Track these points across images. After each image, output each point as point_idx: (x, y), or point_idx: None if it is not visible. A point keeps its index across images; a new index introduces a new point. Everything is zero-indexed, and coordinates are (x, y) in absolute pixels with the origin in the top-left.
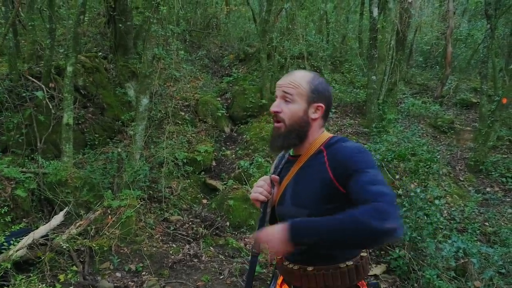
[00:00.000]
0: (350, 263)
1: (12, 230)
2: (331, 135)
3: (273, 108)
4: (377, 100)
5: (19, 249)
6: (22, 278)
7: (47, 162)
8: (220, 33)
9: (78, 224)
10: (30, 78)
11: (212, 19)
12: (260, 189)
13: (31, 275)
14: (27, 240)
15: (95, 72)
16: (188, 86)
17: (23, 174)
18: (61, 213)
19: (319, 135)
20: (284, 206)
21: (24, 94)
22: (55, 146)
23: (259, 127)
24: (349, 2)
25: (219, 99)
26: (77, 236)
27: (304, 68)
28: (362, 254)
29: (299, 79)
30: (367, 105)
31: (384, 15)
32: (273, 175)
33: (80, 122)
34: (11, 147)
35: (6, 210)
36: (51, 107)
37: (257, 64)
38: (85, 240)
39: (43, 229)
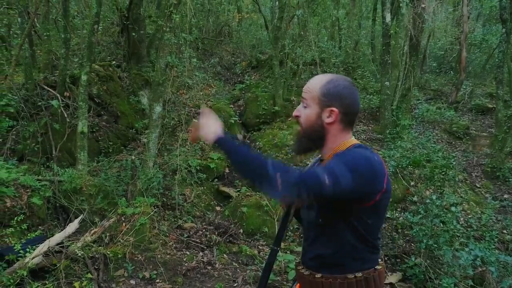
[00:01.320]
0: (359, 274)
1: (28, 237)
2: (356, 142)
3: (294, 112)
4: (390, 106)
5: (35, 256)
6: (38, 286)
7: (62, 170)
8: (232, 41)
9: (92, 231)
10: (46, 87)
11: (224, 27)
12: None
13: (47, 282)
14: (42, 247)
15: (109, 81)
16: (201, 93)
17: (39, 182)
18: (76, 221)
19: (342, 141)
20: (304, 210)
21: (40, 103)
22: (70, 154)
23: (272, 134)
24: (361, 8)
25: (231, 106)
26: (91, 244)
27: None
28: (377, 266)
29: (314, 83)
30: (380, 111)
31: (397, 20)
32: None
33: (94, 130)
34: (27, 156)
35: (22, 218)
36: (66, 115)
37: (269, 71)
38: (100, 247)
39: (58, 237)
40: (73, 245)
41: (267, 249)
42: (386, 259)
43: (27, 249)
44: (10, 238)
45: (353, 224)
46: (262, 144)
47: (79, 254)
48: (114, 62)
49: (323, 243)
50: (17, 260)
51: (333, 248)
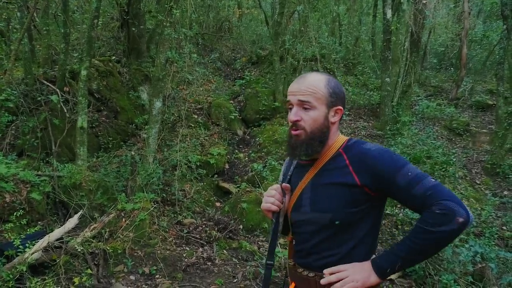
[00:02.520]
0: None
1: (28, 233)
2: (347, 137)
3: (293, 117)
4: (391, 103)
5: (34, 252)
6: (37, 281)
7: (61, 165)
8: (232, 36)
9: (92, 227)
10: (45, 82)
11: (224, 22)
12: (271, 199)
13: (46, 278)
14: (42, 243)
15: (109, 76)
16: (201, 89)
17: (38, 177)
18: (76, 216)
19: (336, 138)
20: (301, 213)
21: (39, 98)
22: (69, 149)
23: (272, 130)
24: (362, 4)
25: (231, 102)
26: (91, 239)
27: (317, 71)
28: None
29: (316, 83)
30: (381, 108)
31: (397, 16)
32: (284, 184)
33: (94, 125)
34: (27, 151)
35: (21, 213)
36: (65, 110)
37: (269, 66)
38: (100, 243)
39: (58, 232)
40: (72, 241)
41: (267, 245)
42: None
43: (27, 245)
44: (9, 234)
45: (372, 219)
46: (262, 140)
47: (79, 250)
48: (114, 57)
49: (334, 243)
50: (17, 256)
51: (345, 248)
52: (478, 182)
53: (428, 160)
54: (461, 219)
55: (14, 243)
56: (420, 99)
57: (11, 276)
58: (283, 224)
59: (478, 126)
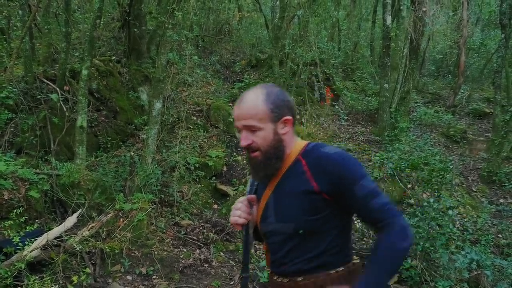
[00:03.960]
0: (341, 269)
1: (27, 230)
2: (305, 142)
3: (244, 142)
4: (389, 109)
5: (33, 249)
6: (35, 279)
7: (60, 164)
8: (232, 39)
9: (90, 226)
10: (45, 80)
11: (224, 25)
12: (238, 212)
13: (44, 276)
14: (41, 241)
15: (109, 76)
16: (200, 91)
17: (36, 175)
18: (75, 215)
19: (294, 145)
20: (268, 223)
21: (39, 97)
22: (68, 148)
23: None
24: (361, 10)
25: (230, 104)
26: (89, 238)
27: (316, 75)
28: (354, 261)
29: (254, 104)
30: (379, 113)
31: (397, 23)
32: (249, 196)
33: (93, 125)
34: (25, 148)
35: (21, 211)
36: (65, 109)
37: (269, 70)
38: (97, 242)
39: (56, 231)
40: (71, 239)
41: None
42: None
43: (26, 242)
44: (8, 231)
45: (339, 222)
46: None
47: (77, 249)
48: (114, 57)
49: (304, 250)
50: (15, 253)
51: (316, 252)
52: (475, 190)
53: (425, 167)
54: (411, 235)
55: (14, 240)
56: (418, 105)
57: (9, 273)
58: (257, 235)
59: (475, 134)
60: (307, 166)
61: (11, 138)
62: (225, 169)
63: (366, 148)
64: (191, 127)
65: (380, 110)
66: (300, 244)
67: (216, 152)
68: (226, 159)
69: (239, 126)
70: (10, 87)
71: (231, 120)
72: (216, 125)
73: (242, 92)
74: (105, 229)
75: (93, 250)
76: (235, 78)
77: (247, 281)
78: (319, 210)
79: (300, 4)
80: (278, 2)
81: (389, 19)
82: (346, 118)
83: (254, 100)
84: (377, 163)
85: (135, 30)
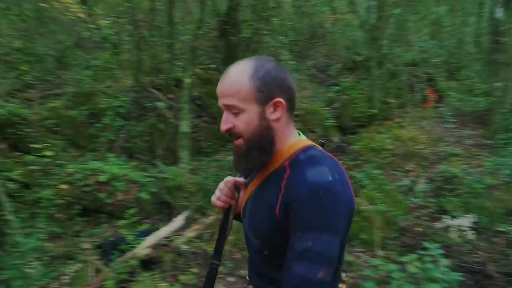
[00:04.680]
0: None
1: (139, 229)
2: (305, 144)
3: (223, 126)
4: (502, 109)
5: (145, 247)
6: (147, 276)
7: (166, 168)
8: (326, 42)
9: (194, 227)
10: (152, 90)
11: (318, 29)
12: (218, 193)
13: (155, 273)
14: (152, 240)
15: (208, 83)
16: (297, 96)
17: (145, 178)
18: (181, 216)
19: (291, 142)
20: (244, 224)
21: (147, 105)
22: (173, 152)
23: (369, 137)
24: (465, 3)
25: (327, 108)
26: (194, 239)
27: (417, 76)
28: (340, 285)
29: (238, 79)
30: (490, 115)
31: (509, 16)
32: (237, 178)
33: (195, 130)
34: (135, 153)
35: (135, 211)
36: (169, 116)
37: (365, 72)
38: (201, 243)
39: (165, 231)
40: (177, 240)
41: (364, 256)
42: (496, 276)
43: (138, 241)
44: (123, 230)
45: None
46: (359, 148)
47: (184, 249)
48: (213, 65)
49: (273, 267)
50: (129, 250)
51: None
52: None
53: None
54: None
55: (127, 238)
56: None
57: (125, 269)
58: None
59: None
60: (285, 182)
61: (123, 144)
62: None
63: (476, 153)
64: None
65: (492, 111)
66: (267, 260)
67: None
68: None
69: (220, 106)
70: (122, 97)
71: (328, 124)
72: (313, 130)
73: (338, 95)
74: (208, 231)
75: (197, 251)
76: (330, 81)
77: (216, 270)
78: (284, 235)
79: (397, 2)
80: (373, 2)
81: (499, 12)
82: (452, 120)
83: (238, 74)
84: (489, 169)
85: (232, 38)
